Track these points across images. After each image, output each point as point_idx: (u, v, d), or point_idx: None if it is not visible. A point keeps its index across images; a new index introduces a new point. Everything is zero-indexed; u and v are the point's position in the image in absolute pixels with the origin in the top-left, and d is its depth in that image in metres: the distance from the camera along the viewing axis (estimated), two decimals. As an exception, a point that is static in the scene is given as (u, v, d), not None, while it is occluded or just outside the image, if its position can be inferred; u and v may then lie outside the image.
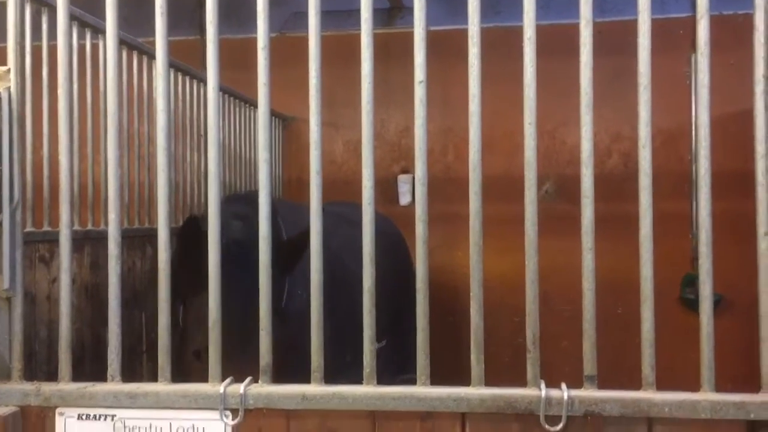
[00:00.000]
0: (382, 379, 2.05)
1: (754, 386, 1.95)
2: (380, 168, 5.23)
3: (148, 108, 3.53)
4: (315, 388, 2.04)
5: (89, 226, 3.17)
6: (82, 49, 3.16)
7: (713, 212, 1.97)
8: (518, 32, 2.05)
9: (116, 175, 2.20)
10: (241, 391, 2.02)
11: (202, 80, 3.88)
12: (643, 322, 1.98)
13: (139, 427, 2.05)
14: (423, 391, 2.00)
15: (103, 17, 2.23)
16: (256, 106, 2.17)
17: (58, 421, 2.09)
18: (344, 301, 2.72)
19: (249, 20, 2.25)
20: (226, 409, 2.02)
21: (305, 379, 2.07)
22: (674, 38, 5.04)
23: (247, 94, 4.67)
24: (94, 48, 3.20)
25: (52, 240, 2.57)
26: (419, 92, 2.06)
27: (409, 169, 5.41)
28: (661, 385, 1.96)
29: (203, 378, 2.12)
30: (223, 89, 4.28)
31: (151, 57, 3.35)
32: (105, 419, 2.06)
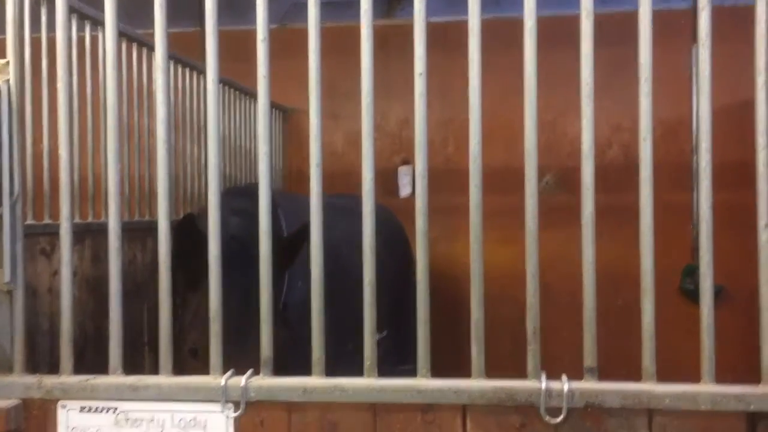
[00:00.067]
0: (383, 369, 2.06)
1: (754, 376, 1.96)
2: (381, 159, 5.20)
3: (148, 100, 3.52)
4: (316, 381, 2.04)
5: (90, 219, 3.17)
6: (81, 41, 3.16)
7: (713, 203, 1.97)
8: (519, 23, 2.04)
9: (116, 167, 2.20)
10: (243, 383, 2.02)
11: (202, 72, 3.86)
12: (644, 315, 1.98)
13: (141, 420, 2.06)
14: (424, 384, 2.00)
15: (102, 9, 2.23)
16: (256, 98, 2.16)
17: (60, 414, 2.09)
18: (345, 290, 2.72)
19: (249, 11, 2.24)
20: (227, 401, 2.03)
21: (307, 371, 2.07)
22: (675, 29, 5.02)
23: (247, 85, 4.66)
24: (94, 40, 3.19)
25: (53, 232, 2.57)
26: (419, 85, 2.06)
27: (409, 161, 5.41)
28: (661, 374, 1.97)
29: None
30: (223, 81, 4.27)
31: (151, 49, 3.34)
32: (107, 412, 2.07)
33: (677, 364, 2.32)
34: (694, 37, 4.65)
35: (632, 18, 2.03)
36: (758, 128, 1.95)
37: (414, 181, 2.05)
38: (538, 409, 1.93)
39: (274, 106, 5.11)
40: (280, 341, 2.13)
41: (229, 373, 2.06)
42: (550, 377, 1.96)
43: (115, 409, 2.07)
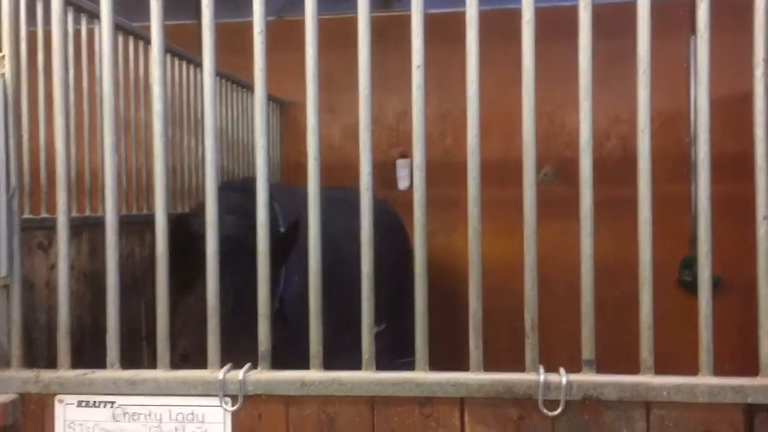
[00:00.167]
0: (382, 363, 2.06)
1: (752, 366, 1.96)
2: (378, 152, 5.22)
3: (144, 93, 3.51)
4: (314, 374, 2.04)
5: (87, 212, 3.16)
6: (77, 34, 3.14)
7: (711, 194, 1.96)
8: (516, 14, 2.04)
9: (113, 161, 2.19)
10: (241, 377, 2.02)
11: (199, 65, 3.86)
12: (642, 307, 1.98)
13: (139, 414, 2.05)
14: (422, 377, 2.00)
15: (98, 2, 2.21)
16: (253, 91, 2.15)
17: (58, 408, 2.09)
18: (342, 283, 2.72)
19: (245, 4, 2.23)
20: (225, 395, 2.03)
21: (305, 365, 2.07)
22: (674, 20, 5.01)
23: (244, 78, 4.65)
24: (90, 33, 3.17)
25: (50, 227, 2.56)
26: (417, 77, 2.05)
27: (407, 154, 5.40)
28: (659, 366, 1.97)
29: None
30: (220, 74, 4.26)
31: (147, 42, 3.33)
32: (104, 406, 2.07)
33: (675, 356, 2.33)
34: (692, 28, 4.64)
35: (630, 9, 2.02)
36: (756, 120, 1.95)
37: (412, 174, 2.04)
38: (536, 402, 1.93)
39: (271, 98, 5.09)
40: (275, 338, 2.12)
41: (227, 367, 2.06)
42: (548, 370, 1.96)
43: (113, 403, 2.07)
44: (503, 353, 2.27)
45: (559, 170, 5.26)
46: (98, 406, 2.07)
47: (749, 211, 1.96)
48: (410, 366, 2.05)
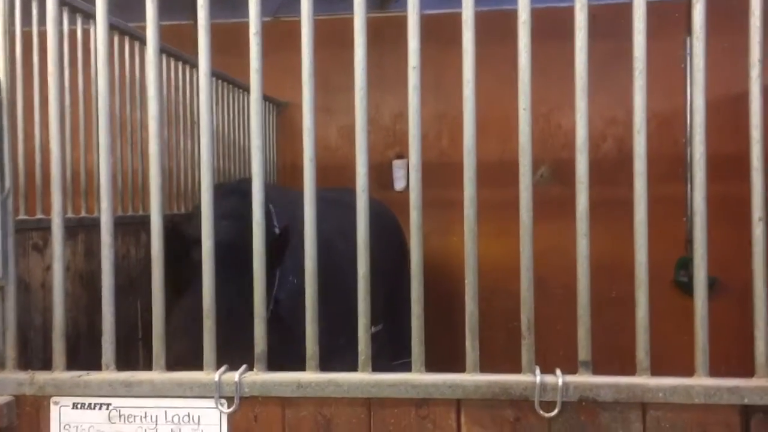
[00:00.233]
0: (378, 364, 2.05)
1: (748, 367, 1.96)
2: (375, 153, 5.22)
3: (140, 94, 3.50)
4: (310, 376, 2.04)
5: (83, 213, 3.15)
6: (72, 34, 3.13)
7: (707, 195, 1.97)
8: (513, 15, 2.04)
9: (108, 162, 2.18)
10: (236, 379, 2.02)
11: (195, 65, 3.85)
12: (638, 307, 1.98)
13: (135, 416, 2.05)
14: (418, 378, 2.00)
15: (93, 2, 2.21)
16: (249, 92, 2.15)
17: (53, 410, 2.08)
18: (338, 284, 2.72)
19: (241, 4, 2.23)
20: (221, 397, 2.02)
21: (300, 367, 2.06)
22: (670, 21, 5.02)
23: (240, 79, 4.65)
24: (85, 33, 3.17)
25: (45, 228, 2.55)
26: (413, 78, 2.05)
27: (403, 154, 5.40)
28: (655, 367, 1.97)
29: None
30: (216, 74, 4.25)
31: (143, 42, 3.32)
32: (100, 408, 2.06)
33: (671, 357, 2.33)
34: (688, 29, 4.65)
35: (626, 10, 2.02)
36: (752, 121, 1.95)
37: (408, 175, 2.04)
38: (532, 403, 1.93)
39: (267, 99, 5.09)
40: (270, 341, 2.12)
41: (222, 368, 2.05)
42: (544, 371, 1.96)
43: (108, 405, 2.06)
44: (499, 354, 2.27)
45: (555, 171, 5.27)
46: (94, 408, 2.07)
47: (745, 212, 1.96)
48: (406, 367, 2.05)
